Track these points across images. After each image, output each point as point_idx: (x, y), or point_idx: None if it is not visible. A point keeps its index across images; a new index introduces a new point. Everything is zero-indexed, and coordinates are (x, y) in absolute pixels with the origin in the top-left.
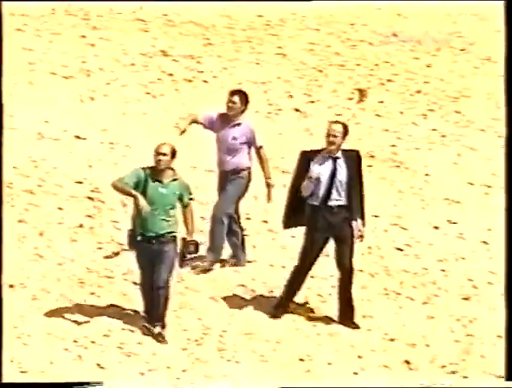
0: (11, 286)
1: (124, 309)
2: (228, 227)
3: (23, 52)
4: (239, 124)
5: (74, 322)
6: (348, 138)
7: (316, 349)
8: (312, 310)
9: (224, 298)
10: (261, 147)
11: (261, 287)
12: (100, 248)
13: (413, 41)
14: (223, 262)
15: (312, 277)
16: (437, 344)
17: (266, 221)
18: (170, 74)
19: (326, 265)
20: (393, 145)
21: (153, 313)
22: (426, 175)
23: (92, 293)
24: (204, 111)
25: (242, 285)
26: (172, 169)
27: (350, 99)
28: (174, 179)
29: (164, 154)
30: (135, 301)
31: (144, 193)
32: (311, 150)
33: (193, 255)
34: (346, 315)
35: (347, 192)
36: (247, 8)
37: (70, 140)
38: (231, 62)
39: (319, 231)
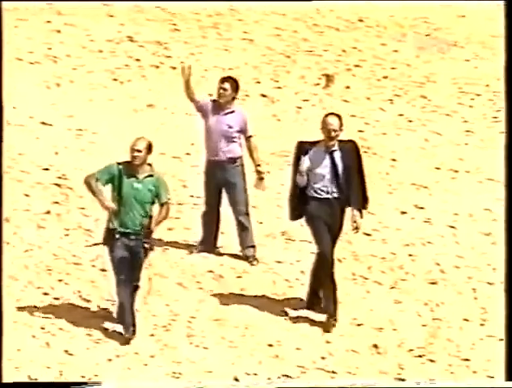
0: None
1: (92, 295)
2: (237, 219)
3: None
4: (233, 112)
5: (42, 309)
6: (316, 125)
7: (285, 334)
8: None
9: (193, 284)
10: (251, 136)
11: (229, 272)
12: (67, 235)
13: (379, 27)
14: (190, 248)
15: (278, 262)
16: (404, 328)
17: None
18: (137, 60)
19: (293, 250)
20: (360, 131)
21: (128, 314)
22: (393, 159)
23: (60, 280)
24: (199, 95)
25: (211, 271)
26: (149, 164)
27: (317, 84)
28: (150, 175)
29: (138, 151)
30: (103, 287)
31: (119, 189)
32: (307, 142)
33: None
34: (315, 303)
35: (344, 184)
36: None
37: (36, 126)
38: (198, 48)
39: (320, 219)
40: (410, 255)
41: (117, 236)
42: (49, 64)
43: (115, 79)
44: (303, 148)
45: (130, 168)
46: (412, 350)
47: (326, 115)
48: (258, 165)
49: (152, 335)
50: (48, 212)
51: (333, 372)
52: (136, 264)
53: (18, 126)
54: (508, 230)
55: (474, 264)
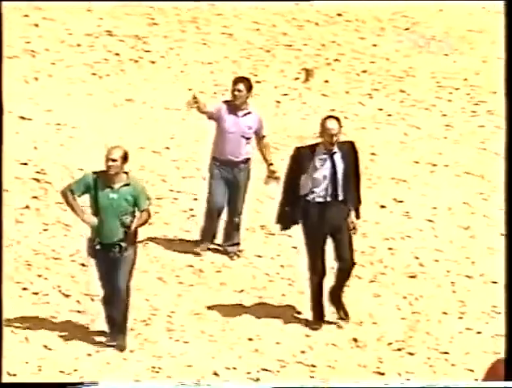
0: None
1: (71, 290)
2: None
3: None
4: (250, 113)
5: (21, 304)
6: (296, 119)
7: (265, 329)
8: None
9: (172, 279)
10: (265, 136)
11: (209, 267)
12: (46, 230)
13: (358, 21)
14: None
15: (258, 256)
16: (384, 322)
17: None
18: (116, 54)
19: (273, 244)
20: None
21: (116, 323)
22: (373, 154)
23: (39, 275)
24: (212, 103)
25: (190, 266)
26: (126, 173)
27: (297, 78)
28: (126, 184)
29: (114, 160)
30: (83, 282)
31: (95, 200)
32: (306, 146)
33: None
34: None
35: (344, 185)
36: None
37: (15, 121)
38: (177, 42)
39: (317, 228)
40: (390, 249)
41: (98, 247)
42: (28, 58)
43: (93, 74)
44: (305, 153)
45: (105, 178)
46: (391, 343)
47: (325, 119)
48: (271, 164)
49: (132, 330)
50: (27, 207)
51: (313, 365)
52: (119, 273)
53: None
54: (508, 230)
55: (453, 258)
